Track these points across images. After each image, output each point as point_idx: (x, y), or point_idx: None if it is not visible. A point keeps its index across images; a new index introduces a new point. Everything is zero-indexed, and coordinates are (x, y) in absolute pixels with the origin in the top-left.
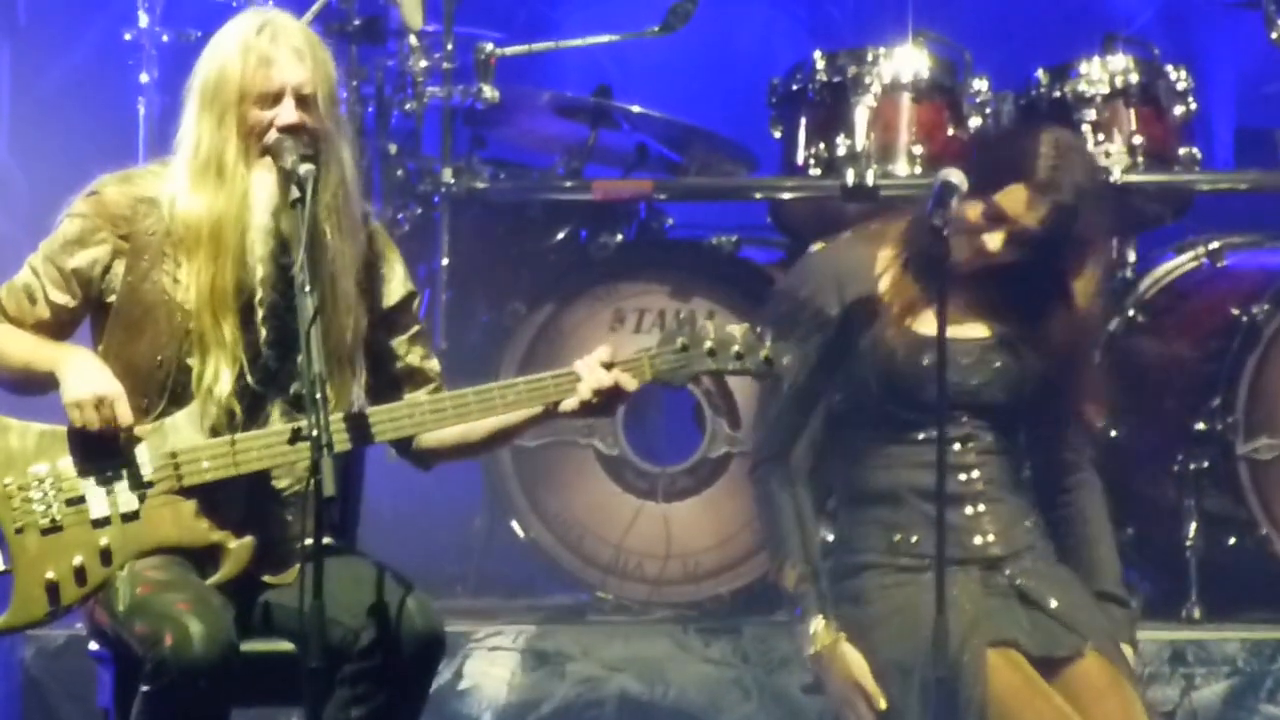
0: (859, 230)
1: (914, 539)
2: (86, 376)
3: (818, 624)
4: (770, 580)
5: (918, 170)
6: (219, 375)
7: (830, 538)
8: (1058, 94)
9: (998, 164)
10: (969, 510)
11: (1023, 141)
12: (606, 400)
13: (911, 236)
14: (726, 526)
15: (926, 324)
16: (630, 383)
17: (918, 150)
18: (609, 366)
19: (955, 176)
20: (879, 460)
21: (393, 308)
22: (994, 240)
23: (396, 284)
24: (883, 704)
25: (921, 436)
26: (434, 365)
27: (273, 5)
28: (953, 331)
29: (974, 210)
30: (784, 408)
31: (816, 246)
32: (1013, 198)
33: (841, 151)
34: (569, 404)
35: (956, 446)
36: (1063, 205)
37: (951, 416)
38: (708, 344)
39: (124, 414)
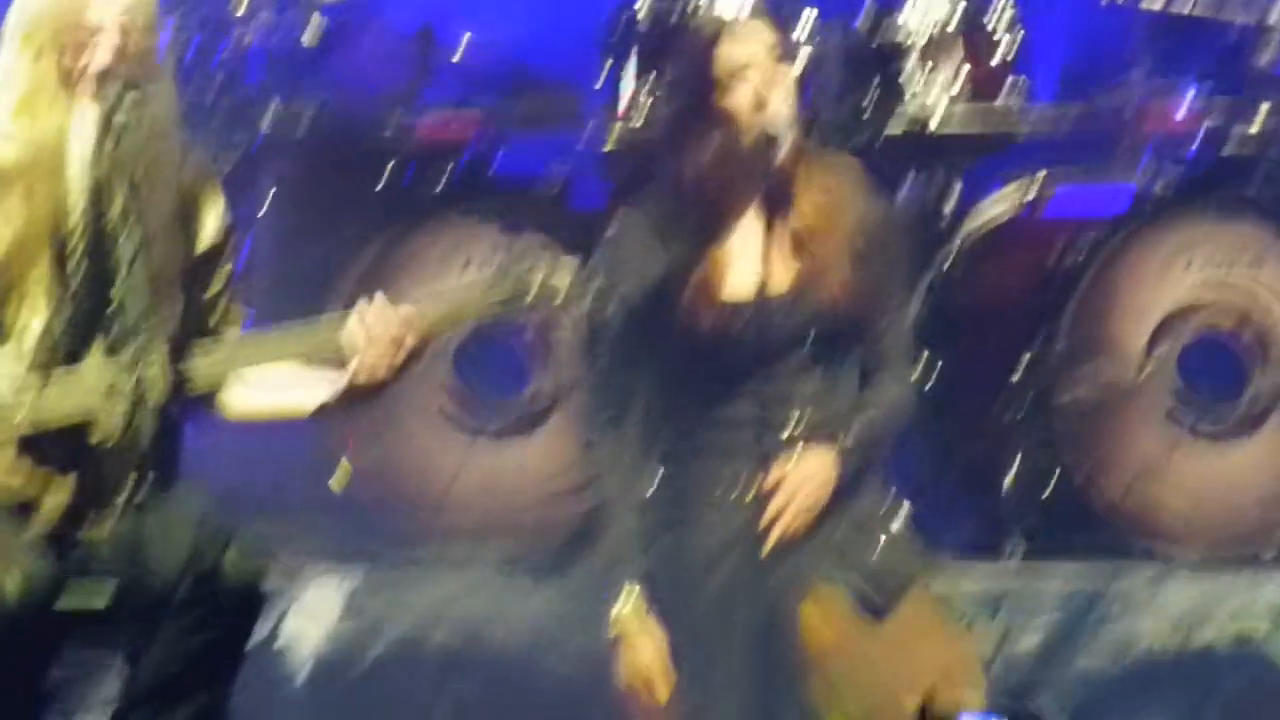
0: (657, 195)
1: (734, 494)
2: None
3: (626, 604)
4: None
5: None
6: (30, 320)
7: (651, 491)
8: (884, 28)
9: (691, 51)
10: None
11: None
12: (394, 351)
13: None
14: (553, 469)
15: (732, 286)
16: (415, 328)
17: None
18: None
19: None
20: (702, 422)
21: (206, 248)
22: (759, 95)
23: (211, 225)
24: (663, 698)
25: (742, 398)
26: (239, 313)
27: None
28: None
29: (729, 98)
30: (608, 380)
31: (611, 226)
32: (728, 49)
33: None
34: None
35: (779, 403)
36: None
37: (770, 374)
38: (534, 287)
39: None
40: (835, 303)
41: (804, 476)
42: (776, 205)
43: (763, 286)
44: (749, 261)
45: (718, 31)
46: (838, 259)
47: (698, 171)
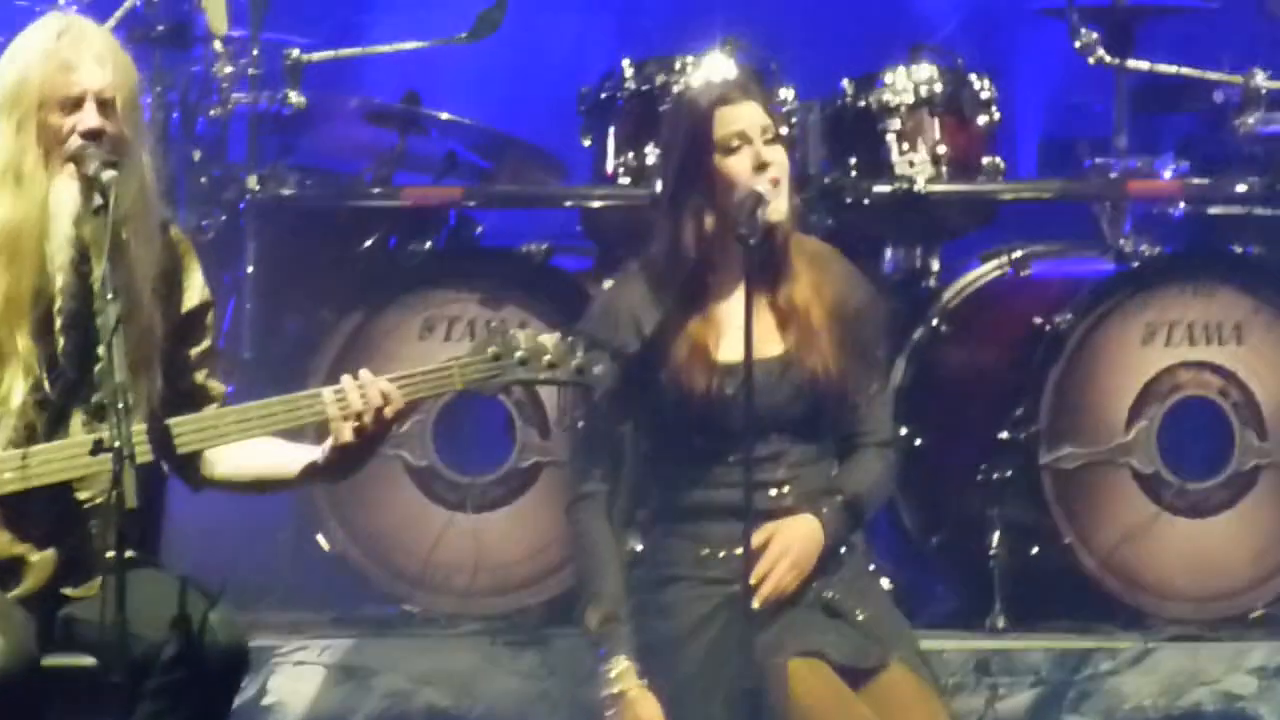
0: (651, 256)
1: (722, 554)
2: None
3: (619, 666)
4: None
5: None
6: (12, 388)
7: (639, 549)
8: (863, 104)
9: (689, 119)
10: None
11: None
12: (375, 422)
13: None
14: (536, 538)
15: (726, 350)
16: (397, 398)
17: None
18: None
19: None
20: (690, 481)
21: (185, 317)
22: (758, 158)
23: (192, 294)
24: None
25: (731, 459)
26: (218, 387)
27: (76, 10)
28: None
29: (727, 165)
30: (595, 441)
31: (607, 284)
32: (726, 116)
33: (651, 160)
34: (332, 438)
35: (766, 465)
36: (750, 83)
37: (759, 437)
38: (519, 353)
39: None
40: (822, 372)
41: (792, 537)
42: (768, 272)
43: (752, 352)
44: (741, 326)
45: (718, 97)
46: (824, 331)
47: (695, 234)
